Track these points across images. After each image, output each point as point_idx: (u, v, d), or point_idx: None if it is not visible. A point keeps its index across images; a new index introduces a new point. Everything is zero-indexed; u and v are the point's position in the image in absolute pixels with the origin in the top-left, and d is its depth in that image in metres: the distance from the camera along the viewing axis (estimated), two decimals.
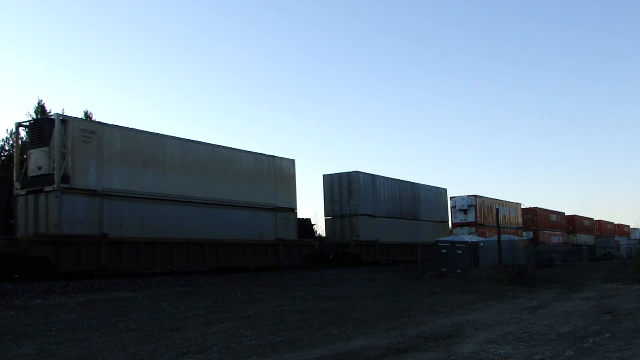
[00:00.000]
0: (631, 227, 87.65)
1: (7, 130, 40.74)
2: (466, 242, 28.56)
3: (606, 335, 9.75)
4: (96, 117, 43.04)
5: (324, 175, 30.94)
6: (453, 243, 28.63)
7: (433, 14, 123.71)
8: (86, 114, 46.53)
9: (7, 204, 19.39)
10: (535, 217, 51.19)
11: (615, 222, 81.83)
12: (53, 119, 18.29)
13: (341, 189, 29.96)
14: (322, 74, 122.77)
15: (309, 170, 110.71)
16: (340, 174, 30.40)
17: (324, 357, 8.02)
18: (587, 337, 9.57)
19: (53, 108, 41.56)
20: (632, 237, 74.26)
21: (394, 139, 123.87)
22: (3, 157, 39.66)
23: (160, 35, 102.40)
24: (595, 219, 71.51)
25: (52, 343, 8.95)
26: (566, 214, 59.47)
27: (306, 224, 27.90)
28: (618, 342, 9.03)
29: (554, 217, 55.33)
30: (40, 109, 43.39)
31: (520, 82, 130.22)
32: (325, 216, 31.14)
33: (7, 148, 40.12)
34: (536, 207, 51.87)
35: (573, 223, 60.06)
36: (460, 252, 27.76)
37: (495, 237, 28.52)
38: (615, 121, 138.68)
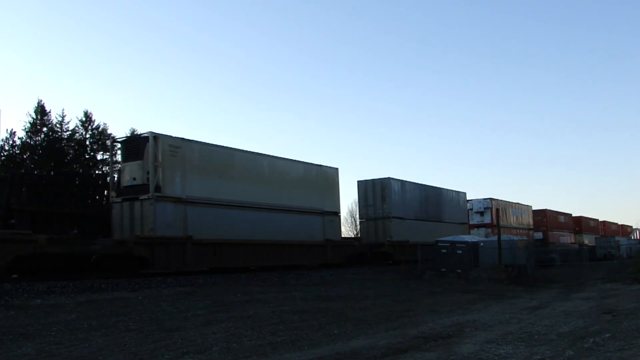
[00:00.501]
0: (634, 227, 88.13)
1: (6, 130, 40.77)
2: (466, 242, 28.55)
3: (606, 335, 9.75)
4: (96, 117, 43.05)
5: (358, 182, 33.71)
6: (453, 243, 28.62)
7: (441, 15, 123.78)
8: (86, 113, 46.62)
9: (7, 204, 19.92)
10: (545, 219, 53.41)
11: (619, 223, 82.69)
12: (147, 137, 20.88)
13: (375, 194, 32.67)
14: (323, 75, 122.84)
15: None
16: (373, 180, 33.10)
17: (324, 357, 8.02)
18: (587, 337, 9.57)
19: (53, 108, 41.43)
20: (632, 237, 74.43)
21: (394, 140, 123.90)
22: (3, 157, 39.68)
23: (160, 35, 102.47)
24: (600, 219, 73.14)
25: (52, 343, 8.95)
26: (573, 215, 61.59)
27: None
28: (618, 342, 9.03)
29: (562, 219, 57.68)
30: (40, 109, 43.47)
31: (519, 82, 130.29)
32: (359, 219, 34.33)
33: (7, 148, 40.18)
34: (545, 209, 53.90)
35: (580, 224, 62.26)
36: (460, 252, 27.75)
37: (498, 237, 28.51)
38: (618, 121, 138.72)
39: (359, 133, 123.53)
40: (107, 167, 19.53)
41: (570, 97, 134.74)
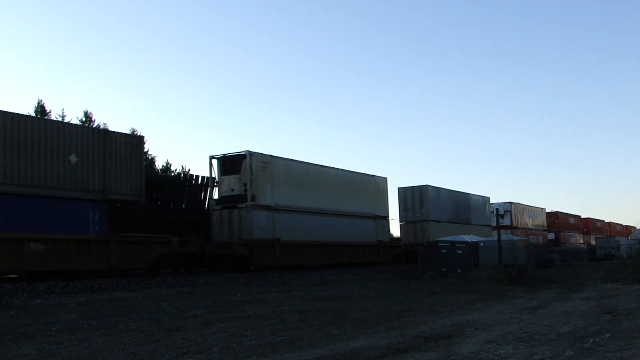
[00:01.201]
0: (638, 227, 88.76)
1: None
2: (466, 242, 28.53)
3: (606, 335, 9.75)
4: (96, 117, 43.06)
5: (399, 188, 37.48)
6: (453, 243, 28.61)
7: (444, 16, 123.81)
8: (86, 113, 46.56)
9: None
10: (557, 220, 57.25)
11: (623, 224, 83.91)
12: (244, 154, 24.67)
13: (414, 199, 36.44)
14: (323, 75, 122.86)
15: None
16: (413, 187, 37.00)
17: (324, 357, 8.02)
18: (587, 337, 9.57)
19: (53, 108, 41.47)
20: (632, 237, 74.62)
21: (392, 140, 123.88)
22: None
23: (160, 36, 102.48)
24: (605, 220, 76.39)
25: (52, 343, 8.95)
26: (582, 217, 65.82)
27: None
28: (618, 342, 9.03)
29: (572, 220, 61.75)
30: (40, 109, 43.42)
31: (519, 82, 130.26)
32: (400, 221, 37.52)
33: None
34: (557, 212, 57.87)
35: (588, 225, 66.19)
36: (460, 252, 27.73)
37: (498, 237, 28.50)
38: (620, 121, 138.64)
39: (358, 133, 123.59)
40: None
41: (570, 97, 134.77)
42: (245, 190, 24.14)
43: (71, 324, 10.82)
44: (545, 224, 55.22)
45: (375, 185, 33.14)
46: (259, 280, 21.66)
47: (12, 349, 8.47)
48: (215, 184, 25.31)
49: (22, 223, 17.20)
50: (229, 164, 24.96)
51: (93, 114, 44.27)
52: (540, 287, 22.62)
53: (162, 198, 24.38)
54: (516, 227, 46.94)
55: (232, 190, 24.59)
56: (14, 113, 17.86)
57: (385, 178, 34.32)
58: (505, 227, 44.31)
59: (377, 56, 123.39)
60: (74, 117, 56.39)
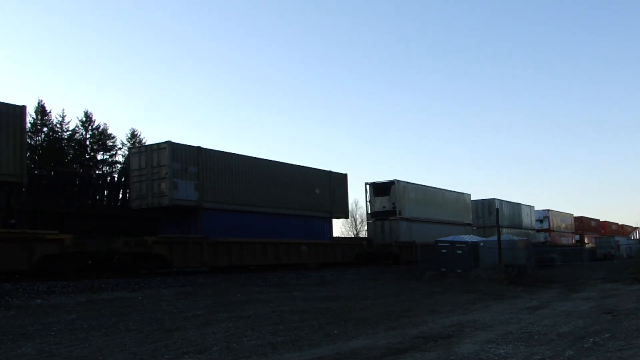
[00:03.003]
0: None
1: None
2: (466, 242, 28.53)
3: (606, 335, 9.75)
4: (96, 118, 43.05)
5: (473, 200, 44.18)
6: (453, 243, 28.61)
7: (446, 20, 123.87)
8: (86, 113, 46.67)
9: (7, 204, 20.10)
10: (582, 224, 65.60)
11: (633, 226, 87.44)
12: (392, 182, 34.70)
13: (483, 209, 45.34)
14: (320, 76, 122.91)
15: None
16: (482, 200, 45.88)
17: (324, 357, 8.02)
18: (587, 337, 9.57)
19: (53, 108, 41.40)
20: (632, 237, 75.08)
21: (389, 139, 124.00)
22: None
23: (160, 36, 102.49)
24: (619, 223, 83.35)
25: (52, 343, 8.95)
26: (600, 220, 74.33)
27: None
28: (618, 342, 9.03)
29: (593, 223, 70.47)
30: (40, 109, 43.49)
31: (515, 80, 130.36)
32: (472, 227, 44.12)
33: None
34: (582, 216, 66.95)
35: (605, 227, 74.41)
36: (460, 252, 27.73)
37: (498, 237, 28.51)
38: (619, 121, 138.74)
39: (353, 133, 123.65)
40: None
41: (571, 96, 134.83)
42: (394, 207, 34.35)
43: (71, 324, 10.82)
44: (573, 227, 62.84)
45: (464, 200, 42.79)
46: (259, 280, 21.67)
47: (12, 349, 8.47)
48: (368, 202, 35.44)
49: None
50: (381, 188, 35.01)
51: (93, 114, 44.23)
52: (540, 287, 22.61)
53: (66, 193, 24.01)
54: (552, 230, 55.65)
55: (384, 207, 34.57)
56: None
57: (469, 194, 43.31)
58: (544, 230, 54.14)
59: (376, 56, 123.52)
60: (73, 117, 56.40)
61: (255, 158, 26.43)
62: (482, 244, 29.11)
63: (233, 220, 24.35)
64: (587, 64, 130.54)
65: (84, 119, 46.11)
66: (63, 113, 44.89)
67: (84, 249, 18.86)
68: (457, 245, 28.28)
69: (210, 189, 23.48)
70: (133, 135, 49.18)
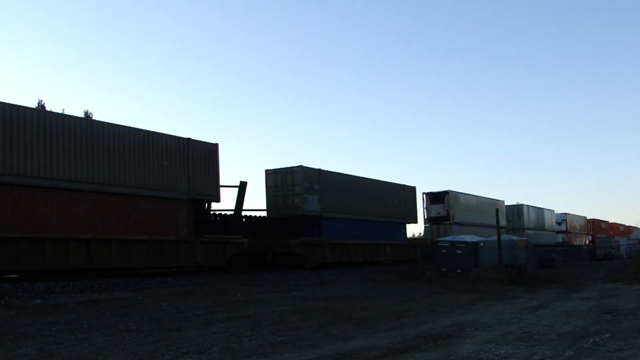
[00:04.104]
0: None
1: None
2: (466, 242, 28.51)
3: (606, 335, 9.75)
4: (96, 117, 43.10)
5: (506, 206, 48.03)
6: (453, 243, 28.59)
7: (447, 19, 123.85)
8: (86, 113, 46.61)
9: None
10: (593, 226, 70.20)
11: (634, 225, 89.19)
12: (446, 191, 39.79)
13: (512, 213, 49.04)
14: (326, 75, 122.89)
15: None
16: (512, 205, 49.54)
17: (324, 357, 8.02)
18: (587, 337, 9.56)
19: (53, 108, 41.44)
20: (632, 237, 75.44)
21: (385, 139, 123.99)
22: None
23: (160, 36, 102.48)
24: (626, 224, 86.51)
25: (52, 343, 8.95)
26: (610, 222, 78.95)
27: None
28: (618, 342, 9.03)
29: (603, 225, 74.76)
30: (41, 108, 43.40)
31: (514, 81, 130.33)
32: (505, 228, 47.51)
33: None
34: (594, 219, 71.79)
35: (614, 228, 78.78)
36: (460, 252, 27.71)
37: (498, 237, 28.50)
38: (620, 121, 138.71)
39: (353, 133, 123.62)
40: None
41: (570, 96, 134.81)
42: (447, 213, 39.40)
43: (71, 324, 10.82)
44: (586, 228, 67.56)
45: (499, 205, 45.87)
46: (259, 280, 21.66)
47: (12, 349, 8.47)
48: (425, 209, 40.24)
49: None
50: (436, 197, 40.21)
51: (93, 114, 44.13)
52: (540, 287, 22.61)
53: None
54: (569, 232, 60.69)
55: (439, 213, 39.68)
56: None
57: (503, 201, 47.80)
58: (562, 232, 59.24)
59: (376, 57, 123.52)
60: None
61: (355, 176, 32.51)
62: (482, 244, 29.10)
63: (342, 226, 30.26)
64: (588, 64, 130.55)
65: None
66: (63, 113, 44.87)
67: (253, 249, 24.69)
68: (457, 245, 28.27)
69: (328, 202, 29.38)
70: None
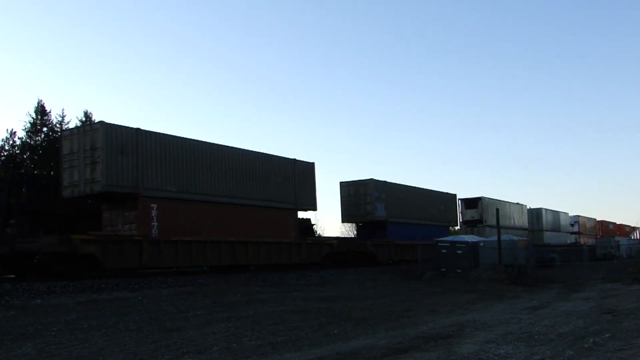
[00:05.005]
0: None
1: (7, 130, 40.61)
2: (466, 242, 28.49)
3: (606, 335, 9.74)
4: (96, 117, 43.10)
5: (528, 209, 53.08)
6: (453, 243, 28.57)
7: (447, 20, 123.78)
8: (86, 113, 46.60)
9: (7, 204, 20.18)
10: (601, 227, 74.68)
11: (633, 225, 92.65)
12: (479, 197, 44.24)
13: (532, 216, 53.56)
14: (326, 75, 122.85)
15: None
16: (533, 209, 54.05)
17: (324, 357, 8.02)
18: (587, 337, 9.56)
19: (53, 108, 41.41)
20: (632, 237, 75.99)
21: (382, 139, 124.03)
22: (3, 157, 39.66)
23: (160, 36, 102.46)
24: (632, 225, 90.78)
25: (52, 343, 8.95)
26: (617, 223, 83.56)
27: (307, 223, 32.35)
28: (618, 342, 9.03)
29: (611, 226, 79.76)
30: (41, 109, 43.45)
31: (519, 82, 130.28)
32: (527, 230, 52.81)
33: (7, 148, 40.20)
34: (602, 220, 76.37)
35: (620, 229, 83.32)
36: (460, 252, 27.70)
37: (495, 237, 28.49)
38: (619, 121, 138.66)
39: (353, 133, 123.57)
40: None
41: (569, 96, 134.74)
42: (481, 217, 43.80)
43: (71, 324, 10.82)
44: (595, 229, 71.97)
45: (523, 208, 51.85)
46: (259, 280, 21.65)
47: (12, 349, 8.46)
48: (460, 213, 44.42)
49: None
50: (470, 203, 44.61)
51: (93, 114, 44.13)
52: (540, 287, 22.59)
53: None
54: (581, 233, 65.46)
55: (473, 217, 44.13)
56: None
57: (526, 205, 52.80)
58: (575, 233, 63.73)
59: (376, 57, 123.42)
60: (73, 117, 56.33)
61: (412, 186, 38.90)
62: (482, 244, 29.08)
63: (404, 229, 35.96)
64: (587, 64, 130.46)
65: (83, 119, 46.06)
66: (63, 113, 44.75)
67: (340, 249, 30.05)
68: (457, 245, 28.25)
69: (392, 209, 35.23)
70: None
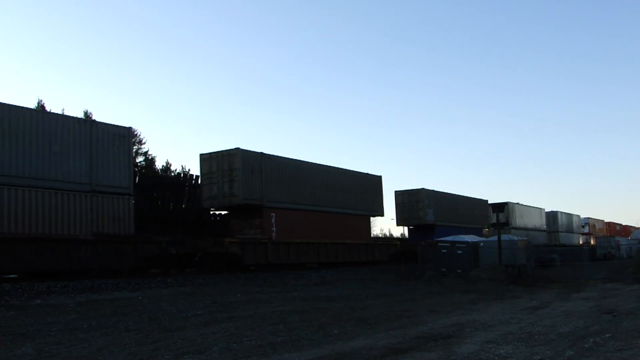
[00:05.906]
0: None
1: None
2: (466, 242, 28.51)
3: (606, 335, 9.74)
4: (95, 118, 43.11)
5: (546, 212, 58.28)
6: (453, 243, 28.59)
7: (447, 22, 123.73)
8: (86, 113, 46.65)
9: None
10: (609, 227, 79.51)
11: (633, 225, 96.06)
12: (506, 202, 44.38)
13: (548, 218, 57.95)
14: (326, 75, 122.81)
15: None
16: (549, 212, 58.54)
17: (324, 357, 8.01)
18: (588, 337, 9.55)
19: (53, 108, 41.47)
20: (632, 237, 75.73)
21: (382, 139, 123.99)
22: None
23: (160, 37, 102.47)
24: (637, 225, 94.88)
25: (52, 343, 8.95)
26: (623, 224, 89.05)
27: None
28: (618, 342, 9.02)
29: (618, 227, 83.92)
30: (40, 109, 43.43)
31: (519, 82, 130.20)
32: (545, 231, 57.25)
33: None
34: (610, 222, 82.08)
35: (626, 230, 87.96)
36: (460, 252, 27.70)
37: (498, 237, 28.48)
38: (620, 122, 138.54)
39: (352, 132, 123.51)
40: None
41: (569, 96, 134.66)
42: (507, 220, 44.12)
43: (71, 324, 10.81)
44: (603, 230, 76.01)
45: (543, 213, 57.10)
46: (259, 280, 21.66)
47: (12, 349, 8.46)
48: (489, 216, 46.64)
49: None
50: (497, 208, 46.63)
51: (93, 114, 44.20)
52: (540, 287, 22.56)
53: (162, 198, 25.64)
54: (591, 234, 70.22)
55: (500, 220, 47.70)
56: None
57: (543, 209, 57.57)
58: (586, 234, 68.82)
59: (376, 57, 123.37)
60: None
61: (452, 194, 45.76)
62: (482, 244, 29.08)
63: (448, 232, 39.52)
64: (593, 64, 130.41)
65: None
66: (63, 113, 44.86)
67: (403, 249, 35.14)
68: (457, 245, 28.26)
69: (438, 214, 41.88)
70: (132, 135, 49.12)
